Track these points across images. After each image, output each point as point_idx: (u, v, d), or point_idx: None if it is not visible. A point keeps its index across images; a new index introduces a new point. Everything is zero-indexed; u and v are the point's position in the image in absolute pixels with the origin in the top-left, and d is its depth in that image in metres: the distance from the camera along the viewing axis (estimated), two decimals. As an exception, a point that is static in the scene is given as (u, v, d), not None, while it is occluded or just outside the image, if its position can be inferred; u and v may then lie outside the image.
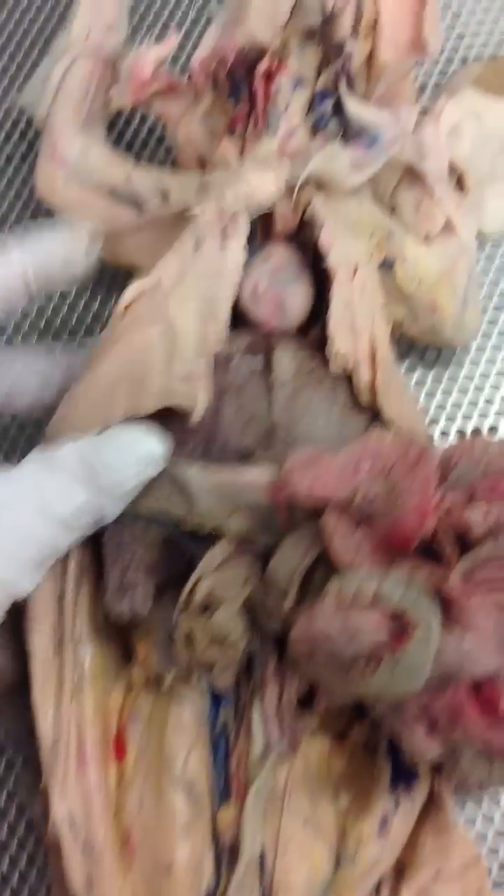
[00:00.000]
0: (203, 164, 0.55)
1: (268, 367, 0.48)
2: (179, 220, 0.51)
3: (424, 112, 0.54)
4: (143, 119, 0.62)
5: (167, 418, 0.47)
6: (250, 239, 0.51)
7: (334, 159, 0.51)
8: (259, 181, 0.50)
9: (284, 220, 0.51)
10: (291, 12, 0.53)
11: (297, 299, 0.50)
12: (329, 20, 0.53)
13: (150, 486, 0.46)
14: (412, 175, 0.54)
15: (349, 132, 0.53)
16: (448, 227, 0.54)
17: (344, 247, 0.50)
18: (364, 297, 0.50)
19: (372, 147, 0.51)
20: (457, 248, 0.54)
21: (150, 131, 0.62)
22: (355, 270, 0.50)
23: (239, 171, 0.50)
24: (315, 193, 0.51)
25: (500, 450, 0.47)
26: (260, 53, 0.53)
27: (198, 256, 0.49)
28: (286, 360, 0.48)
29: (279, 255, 0.51)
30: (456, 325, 0.54)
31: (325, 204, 0.51)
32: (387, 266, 0.53)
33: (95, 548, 0.49)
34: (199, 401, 0.47)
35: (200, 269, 0.49)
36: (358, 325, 0.49)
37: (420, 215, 0.54)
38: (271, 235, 0.52)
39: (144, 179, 0.55)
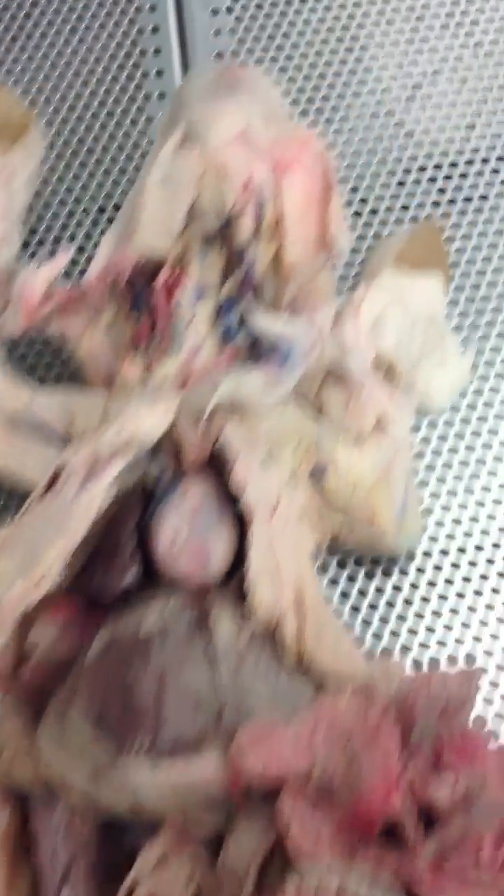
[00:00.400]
0: (111, 380, 0.51)
1: (206, 633, 0.44)
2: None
3: (343, 308, 0.50)
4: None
5: (110, 705, 0.42)
6: (163, 471, 0.47)
7: (243, 385, 0.47)
8: (144, 418, 0.46)
9: (195, 450, 0.47)
10: (189, 216, 0.49)
11: (221, 546, 0.45)
12: (228, 223, 0.49)
13: (93, 782, 0.42)
14: (337, 374, 0.50)
15: (260, 344, 0.49)
16: (381, 424, 0.50)
17: (261, 480, 0.46)
18: (286, 534, 0.45)
19: (285, 364, 0.47)
20: (392, 446, 0.50)
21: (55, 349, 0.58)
22: (275, 506, 0.46)
23: (125, 407, 0.46)
24: (228, 417, 0.47)
25: (460, 684, 0.43)
26: (158, 263, 0.49)
27: (55, 500, 0.45)
28: (225, 622, 0.44)
29: (196, 494, 0.46)
30: (396, 533, 0.50)
31: (240, 426, 0.47)
32: (318, 473, 0.49)
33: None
34: None
35: (48, 514, 0.44)
36: (281, 568, 0.44)
37: (349, 415, 0.50)
38: (183, 466, 0.47)
39: (48, 403, 0.50)
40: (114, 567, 0.45)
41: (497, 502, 0.53)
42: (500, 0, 0.66)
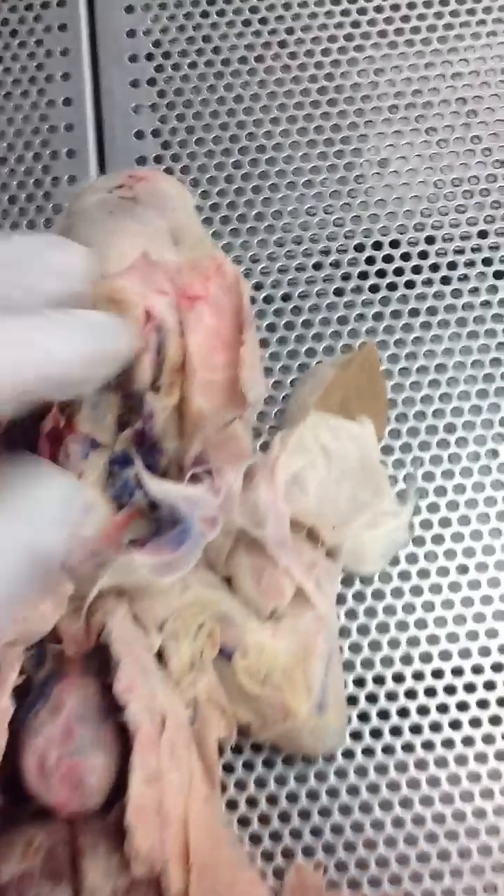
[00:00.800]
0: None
1: (76, 879, 0.36)
2: None
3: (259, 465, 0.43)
4: None
5: None
6: (37, 666, 0.40)
7: (133, 569, 0.39)
8: (34, 608, 0.38)
9: (75, 643, 0.40)
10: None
11: (99, 769, 0.38)
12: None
13: None
14: (249, 540, 0.43)
15: (160, 508, 0.42)
16: (299, 598, 0.43)
17: (150, 685, 0.39)
18: (175, 761, 0.38)
19: (183, 542, 0.40)
20: (311, 625, 0.43)
21: None
22: (164, 718, 0.38)
23: None
24: (117, 602, 0.40)
25: None
26: (43, 409, 0.42)
27: None
28: (99, 867, 0.37)
29: (72, 703, 0.39)
30: (314, 732, 0.43)
31: (130, 611, 0.40)
32: (225, 656, 0.42)
33: None
34: None
35: None
36: (166, 805, 0.37)
37: (262, 588, 0.43)
38: (59, 660, 0.40)
39: None
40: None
41: (427, 693, 0.46)
42: (456, 80, 0.59)
